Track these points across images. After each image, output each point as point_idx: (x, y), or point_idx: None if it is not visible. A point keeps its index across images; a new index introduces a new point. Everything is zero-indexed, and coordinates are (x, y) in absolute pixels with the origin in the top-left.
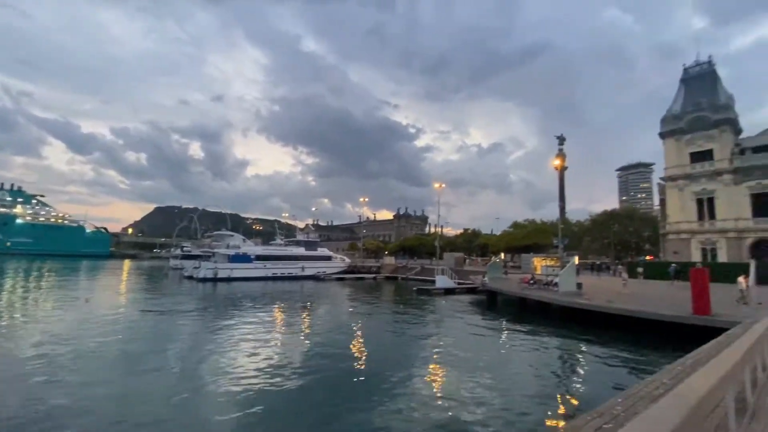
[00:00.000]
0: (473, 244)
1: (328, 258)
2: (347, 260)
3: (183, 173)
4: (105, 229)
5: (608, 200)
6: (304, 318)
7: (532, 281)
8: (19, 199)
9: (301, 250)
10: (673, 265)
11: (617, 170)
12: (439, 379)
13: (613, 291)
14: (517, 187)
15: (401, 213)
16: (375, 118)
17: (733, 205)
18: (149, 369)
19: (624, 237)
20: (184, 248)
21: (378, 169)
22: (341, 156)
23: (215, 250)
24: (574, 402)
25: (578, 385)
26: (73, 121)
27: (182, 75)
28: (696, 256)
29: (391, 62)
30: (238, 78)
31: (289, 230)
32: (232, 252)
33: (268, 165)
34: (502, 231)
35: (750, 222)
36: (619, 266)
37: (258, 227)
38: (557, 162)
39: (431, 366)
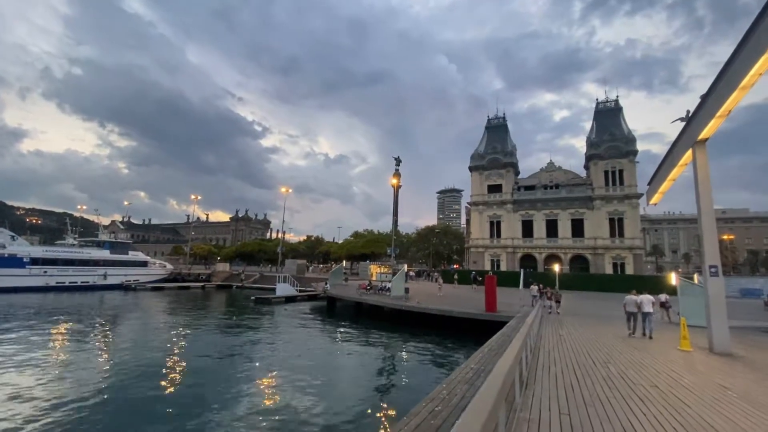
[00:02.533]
0: (316, 251)
1: (143, 264)
2: (169, 266)
3: None
4: None
5: (429, 217)
6: (101, 338)
7: (368, 287)
8: None
9: (104, 254)
10: (473, 272)
11: (437, 192)
12: (271, 388)
13: (432, 294)
14: (359, 198)
15: (240, 215)
16: (215, 108)
17: (512, 227)
18: None
19: (440, 249)
20: None
21: (215, 164)
22: (168, 143)
23: None
24: (403, 394)
25: (406, 378)
26: None
27: None
28: (488, 266)
29: (238, 52)
30: (21, 19)
31: (87, 227)
32: None
33: (59, 141)
34: (344, 239)
35: (521, 240)
36: (435, 272)
37: (36, 221)
38: (394, 180)
39: (264, 376)
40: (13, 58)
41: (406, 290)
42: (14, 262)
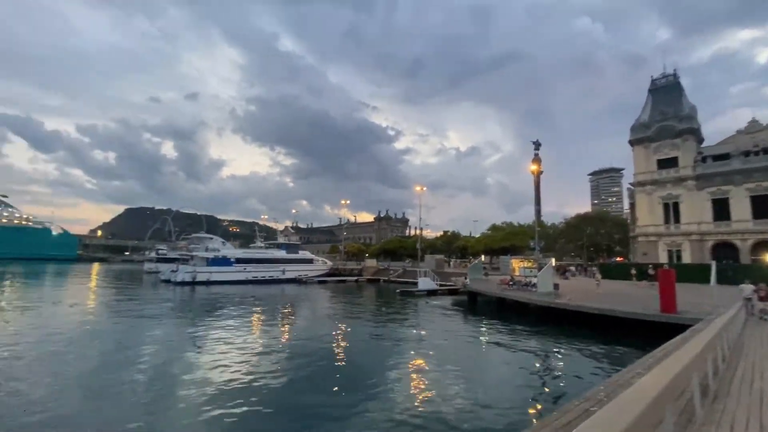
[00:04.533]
0: (453, 246)
1: (310, 261)
2: (329, 263)
3: (155, 173)
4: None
5: (581, 204)
6: (287, 321)
7: (511, 282)
8: None
9: (282, 253)
10: (649, 265)
11: (589, 174)
12: (421, 379)
13: (587, 291)
14: (494, 190)
15: (382, 215)
16: (354, 120)
17: (696, 209)
18: (124, 374)
19: (596, 239)
20: (160, 251)
21: (357, 171)
22: (320, 157)
23: (194, 253)
24: (552, 396)
25: (557, 379)
26: (36, 118)
27: (154, 72)
28: (663, 258)
29: (368, 64)
30: (213, 76)
31: (268, 232)
32: (211, 255)
33: (245, 166)
34: (481, 233)
35: (711, 225)
36: (593, 267)
37: (235, 229)
38: (534, 167)
39: (414, 365)
40: (211, 106)
41: (555, 286)
42: (225, 261)
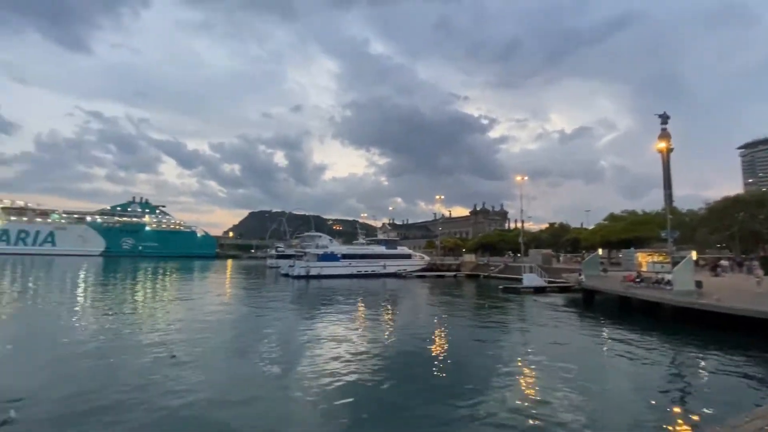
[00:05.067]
0: (561, 239)
1: (408, 256)
2: (426, 258)
3: (270, 181)
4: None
5: (728, 184)
6: (390, 314)
7: (638, 279)
8: (147, 210)
9: (382, 249)
10: None
11: (739, 148)
12: (529, 388)
13: (741, 290)
14: (609, 174)
15: (478, 209)
16: (445, 113)
17: None
18: (252, 356)
19: (753, 227)
20: (278, 249)
21: (450, 165)
22: (412, 154)
23: (306, 250)
24: (695, 418)
25: (704, 400)
26: (180, 141)
27: (265, 90)
28: None
29: (459, 54)
30: (313, 88)
31: (367, 230)
32: (320, 251)
33: (344, 168)
34: (596, 224)
35: None
36: (753, 261)
37: (338, 227)
38: (662, 144)
39: (521, 369)
40: (313, 115)
41: (698, 284)
42: (333, 257)
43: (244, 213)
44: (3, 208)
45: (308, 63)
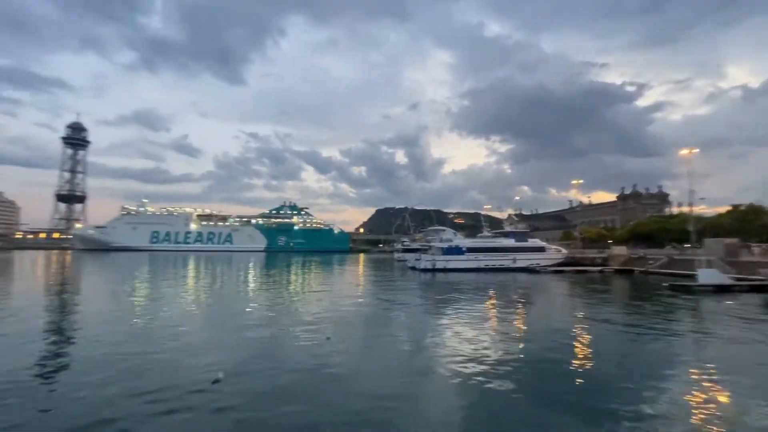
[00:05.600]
0: (752, 224)
1: (542, 249)
2: (563, 251)
3: (392, 179)
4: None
5: None
6: (522, 312)
7: None
8: (295, 212)
9: (510, 242)
10: None
11: None
12: (711, 420)
13: None
14: None
15: (627, 192)
16: (577, 86)
17: None
18: (384, 346)
19: None
20: (404, 243)
21: (587, 144)
22: (537, 138)
23: (431, 244)
24: None
25: None
26: (316, 150)
27: (384, 94)
28: None
29: (590, 17)
30: (430, 83)
31: (491, 222)
32: (445, 245)
33: (463, 160)
34: None
35: None
36: None
37: (460, 221)
38: None
39: (695, 396)
40: (429, 110)
41: None
42: (458, 250)
43: (371, 210)
44: (197, 216)
45: (423, 59)
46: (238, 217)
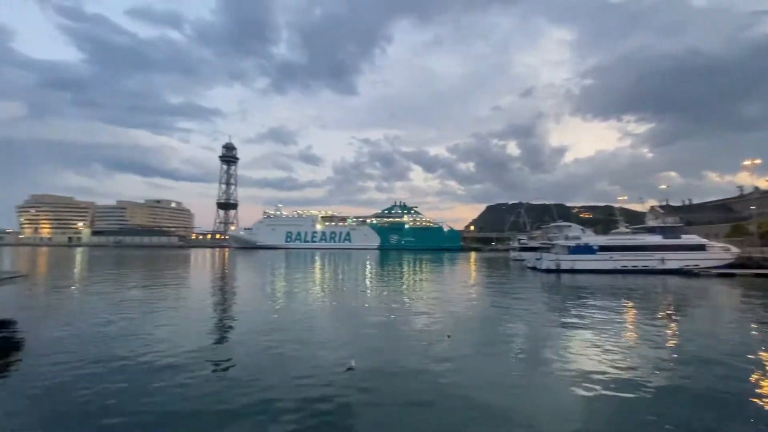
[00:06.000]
0: None
1: (701, 247)
2: (733, 249)
3: (504, 172)
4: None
5: None
6: (674, 324)
7: None
8: (405, 211)
9: (657, 239)
10: None
11: None
12: None
13: None
14: None
15: None
16: (743, 43)
17: None
18: (505, 351)
19: None
20: (521, 241)
21: (757, 115)
22: (687, 112)
23: (555, 242)
24: None
25: None
26: (423, 149)
27: (492, 84)
28: None
29: None
30: (544, 66)
31: (627, 216)
32: (572, 243)
33: (588, 146)
34: None
35: None
36: None
37: (586, 215)
38: None
39: None
40: (545, 95)
41: None
42: (587, 249)
43: (481, 207)
44: (322, 217)
45: (535, 40)
46: (355, 217)
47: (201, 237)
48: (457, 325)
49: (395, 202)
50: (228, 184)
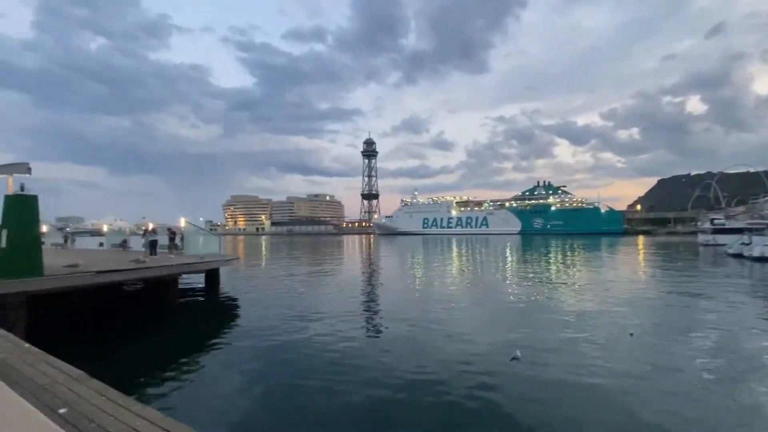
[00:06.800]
0: None
1: None
2: None
3: (682, 136)
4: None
5: None
6: None
7: None
8: (550, 192)
9: None
10: None
11: None
12: None
13: None
14: None
15: None
16: None
17: None
18: (699, 362)
19: None
20: (715, 221)
21: None
22: None
23: None
24: None
25: None
26: (569, 120)
27: (662, 28)
28: None
29: None
30: None
31: None
32: None
33: None
34: None
35: None
36: None
37: None
38: None
39: None
40: (745, 30)
41: None
42: None
43: (651, 182)
44: (456, 203)
45: None
46: (492, 201)
47: (350, 225)
48: (640, 323)
49: (537, 182)
50: (369, 176)
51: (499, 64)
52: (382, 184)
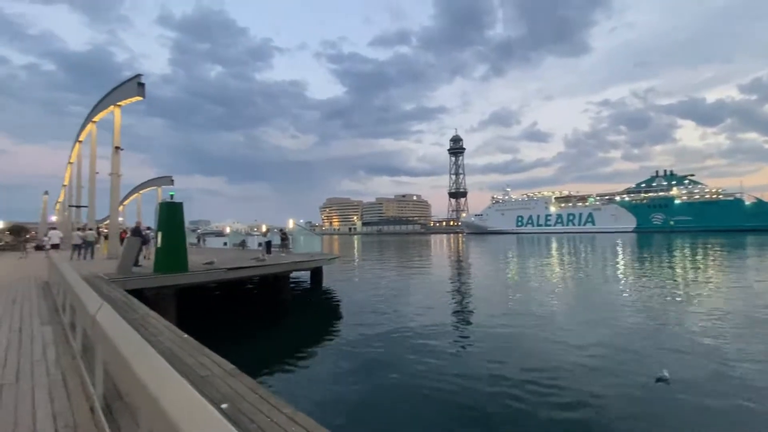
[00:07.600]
0: None
1: None
2: None
3: None
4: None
5: None
6: None
7: None
8: (673, 183)
9: None
10: None
11: None
12: None
13: None
14: None
15: None
16: None
17: None
18: None
19: None
20: None
21: None
22: None
23: None
24: None
25: None
26: (695, 96)
27: None
28: None
29: None
30: None
31: None
32: None
33: None
34: None
35: None
36: None
37: None
38: None
39: None
40: None
41: None
42: None
43: None
44: (556, 198)
45: None
46: (598, 195)
47: (437, 224)
48: None
49: (656, 172)
50: (456, 174)
51: (602, 42)
52: (469, 181)
